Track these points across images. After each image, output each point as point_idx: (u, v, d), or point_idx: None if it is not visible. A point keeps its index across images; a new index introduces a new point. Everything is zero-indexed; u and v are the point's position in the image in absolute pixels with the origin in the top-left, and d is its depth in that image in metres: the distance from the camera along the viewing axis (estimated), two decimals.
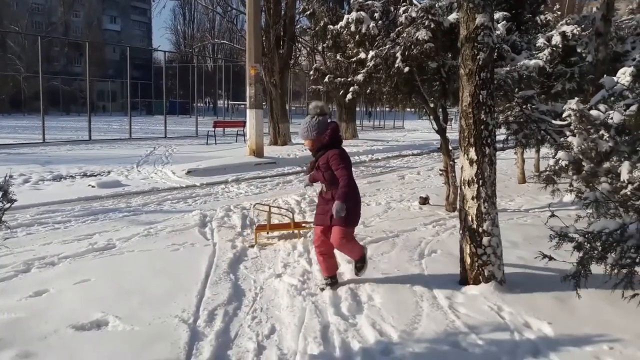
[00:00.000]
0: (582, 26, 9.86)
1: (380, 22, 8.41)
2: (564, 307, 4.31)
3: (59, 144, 18.70)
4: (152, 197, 9.39)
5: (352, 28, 8.28)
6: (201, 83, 37.04)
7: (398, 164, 16.08)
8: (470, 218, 4.81)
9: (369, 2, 8.48)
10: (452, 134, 9.23)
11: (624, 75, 4.84)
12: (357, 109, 30.30)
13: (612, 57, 9.26)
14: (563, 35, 9.54)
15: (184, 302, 4.41)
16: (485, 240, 4.75)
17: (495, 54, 7.03)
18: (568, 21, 10.23)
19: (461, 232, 4.97)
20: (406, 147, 21.64)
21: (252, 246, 6.27)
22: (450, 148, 8.43)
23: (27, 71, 44.77)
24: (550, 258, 2.96)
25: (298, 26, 20.56)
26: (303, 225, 6.96)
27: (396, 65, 7.35)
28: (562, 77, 9.61)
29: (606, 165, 4.70)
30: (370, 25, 8.16)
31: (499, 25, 7.77)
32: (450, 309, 4.33)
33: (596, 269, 3.79)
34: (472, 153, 4.77)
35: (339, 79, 9.35)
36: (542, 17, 10.48)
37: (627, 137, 4.14)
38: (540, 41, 9.69)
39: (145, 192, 10.00)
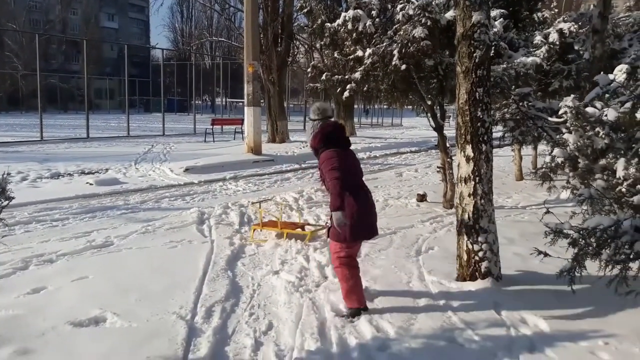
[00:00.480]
0: (579, 23, 9.89)
1: (377, 19, 8.43)
2: (560, 303, 4.34)
3: (56, 141, 18.68)
4: (149, 195, 9.40)
5: (349, 26, 8.30)
6: (199, 81, 36.96)
7: (396, 161, 16.10)
8: (467, 215, 4.84)
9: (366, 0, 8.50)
10: (450, 131, 9.24)
11: (620, 73, 4.86)
12: (355, 106, 30.27)
13: (609, 54, 9.29)
14: (560, 32, 9.57)
15: (181, 298, 4.42)
16: (481, 236, 4.77)
17: (493, 51, 7.04)
18: (565, 18, 10.27)
19: (458, 228, 4.99)
20: (404, 145, 21.66)
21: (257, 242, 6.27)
22: (448, 145, 8.45)
23: (24, 69, 44.70)
24: (545, 254, 2.99)
25: (296, 24, 20.56)
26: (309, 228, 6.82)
27: (393, 63, 7.37)
28: (559, 74, 9.64)
29: (602, 162, 4.72)
30: (367, 24, 8.17)
31: (496, 23, 7.78)
32: (447, 305, 4.36)
33: (592, 265, 3.82)
34: (469, 150, 4.80)
35: (336, 76, 9.37)
36: (539, 14, 10.49)
37: (622, 134, 4.16)
38: (538, 38, 9.73)
39: (143, 189, 10.00)
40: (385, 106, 30.34)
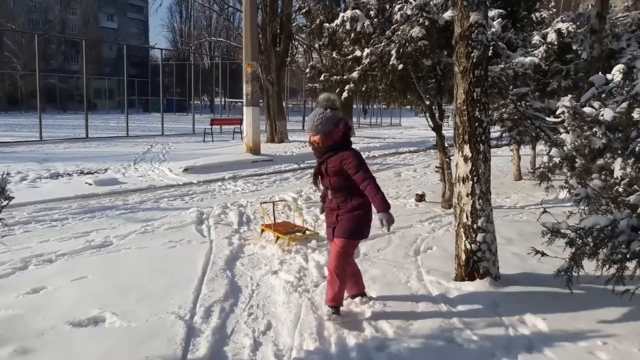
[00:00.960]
0: (577, 23, 9.91)
1: (375, 20, 8.44)
2: (558, 303, 4.36)
3: (56, 141, 18.68)
4: (149, 195, 9.41)
5: (348, 26, 8.32)
6: (198, 81, 37.00)
7: (394, 161, 16.12)
8: (465, 215, 4.85)
9: (365, 0, 8.51)
10: (448, 131, 9.26)
11: (618, 73, 4.88)
12: (354, 106, 30.29)
13: (607, 54, 9.31)
14: (558, 32, 9.59)
15: (180, 298, 4.44)
16: (480, 236, 4.79)
17: (491, 51, 7.06)
18: (563, 18, 10.29)
19: (456, 228, 5.01)
20: (403, 145, 21.68)
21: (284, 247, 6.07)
22: (446, 145, 8.46)
23: (24, 69, 44.65)
24: (543, 254, 3.00)
25: (294, 24, 20.50)
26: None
27: (391, 63, 7.38)
28: (557, 74, 9.66)
29: (599, 162, 4.74)
30: (366, 24, 8.19)
31: (494, 23, 7.80)
32: (446, 304, 4.37)
33: (589, 265, 3.83)
34: (467, 150, 4.81)
35: (335, 76, 9.37)
36: (537, 14, 10.52)
37: (620, 134, 4.18)
38: (536, 38, 9.74)
39: (142, 189, 10.01)
40: (384, 106, 30.36)
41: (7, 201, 3.25)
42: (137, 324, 3.92)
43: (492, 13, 7.92)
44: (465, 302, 4.43)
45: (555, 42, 9.58)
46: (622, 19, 10.93)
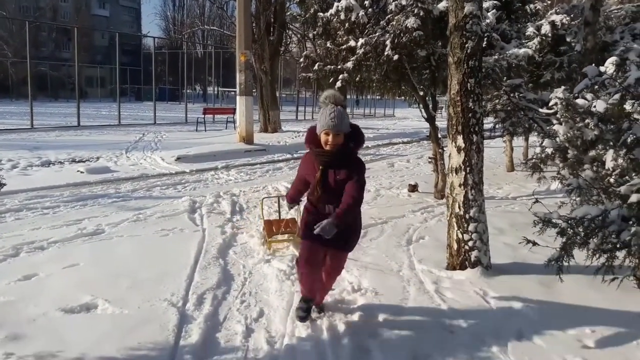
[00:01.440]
0: (572, 15, 9.92)
1: (370, 9, 8.42)
2: (549, 292, 4.40)
3: (47, 129, 18.56)
4: (141, 183, 9.38)
5: (342, 16, 8.29)
6: (191, 69, 36.76)
7: (388, 152, 16.14)
8: (457, 205, 4.88)
9: None
10: (442, 122, 9.27)
11: (611, 65, 4.90)
12: (348, 96, 30.24)
13: (601, 46, 9.33)
14: (552, 24, 9.60)
15: (173, 286, 4.44)
16: (471, 226, 4.81)
17: (485, 42, 7.07)
18: (557, 10, 10.29)
19: (448, 218, 5.03)
20: (396, 135, 21.70)
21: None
22: (440, 136, 8.48)
23: (14, 56, 44.23)
24: (534, 243, 3.03)
25: (288, 13, 20.43)
26: None
27: (386, 53, 7.37)
28: (551, 66, 9.68)
29: (592, 153, 4.77)
30: (360, 14, 8.17)
31: (489, 14, 7.80)
32: (437, 293, 4.40)
33: (580, 255, 3.86)
34: (460, 141, 4.82)
35: (328, 66, 9.35)
36: (531, 6, 10.50)
37: (612, 126, 4.20)
38: (530, 30, 9.75)
39: (134, 178, 9.97)
40: (378, 97, 30.32)
41: None
42: (129, 311, 3.93)
43: (486, 4, 7.92)
44: (456, 290, 4.46)
45: (549, 34, 9.60)
46: (615, 11, 10.95)
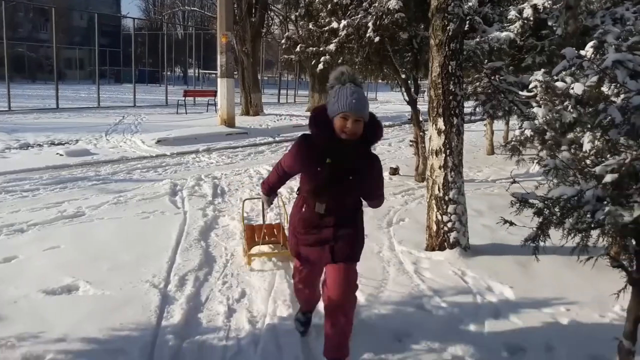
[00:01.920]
0: None
1: None
2: (525, 272, 4.49)
3: (25, 112, 18.22)
4: (121, 166, 9.30)
5: None
6: (171, 51, 36.22)
7: None
8: (437, 187, 4.93)
9: None
10: (423, 105, 9.32)
11: (591, 49, 4.94)
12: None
13: (582, 30, 9.38)
14: (534, 8, 9.61)
15: (154, 268, 4.44)
16: (450, 208, 4.88)
17: (467, 25, 7.08)
18: None
19: (428, 200, 5.09)
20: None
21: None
22: (421, 119, 8.53)
23: None
24: (512, 223, 3.08)
25: None
26: None
27: (367, 35, 7.36)
28: (532, 50, 9.73)
29: (570, 135, 4.83)
30: None
31: None
32: (416, 273, 4.47)
33: (556, 235, 3.93)
34: (440, 123, 4.87)
35: (310, 48, 9.31)
36: None
37: (590, 109, 4.26)
38: (512, 13, 9.76)
39: (114, 160, 9.89)
40: (360, 80, 30.24)
41: None
42: (111, 292, 3.93)
43: None
44: (435, 271, 4.53)
45: (531, 18, 9.62)
46: None
